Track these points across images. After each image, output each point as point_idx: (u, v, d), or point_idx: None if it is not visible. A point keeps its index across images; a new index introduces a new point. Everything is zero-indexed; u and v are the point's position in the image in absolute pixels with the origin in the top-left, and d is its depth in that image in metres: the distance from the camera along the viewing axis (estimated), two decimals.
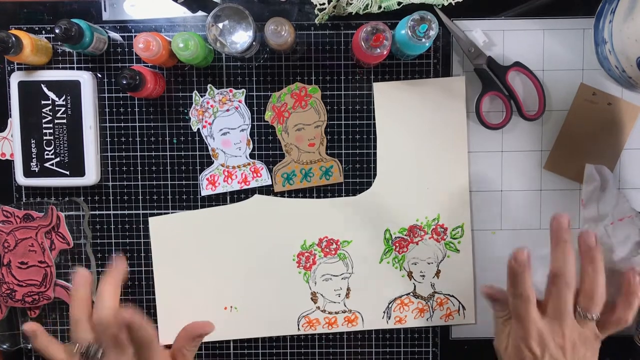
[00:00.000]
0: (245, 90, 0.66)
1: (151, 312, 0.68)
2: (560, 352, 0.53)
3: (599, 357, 0.56)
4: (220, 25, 0.58)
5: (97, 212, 0.67)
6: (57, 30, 0.57)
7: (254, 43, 0.59)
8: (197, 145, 0.66)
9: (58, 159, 0.65)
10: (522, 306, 0.54)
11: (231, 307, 0.67)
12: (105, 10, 0.65)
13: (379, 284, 0.67)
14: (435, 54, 0.65)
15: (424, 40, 0.57)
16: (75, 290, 0.56)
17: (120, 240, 0.67)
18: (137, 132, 0.66)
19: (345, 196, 0.67)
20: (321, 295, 0.67)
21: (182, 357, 0.57)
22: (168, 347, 0.58)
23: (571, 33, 0.65)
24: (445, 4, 0.64)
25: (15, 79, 0.64)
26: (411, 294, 0.67)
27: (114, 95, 0.66)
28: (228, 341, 0.68)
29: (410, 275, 0.67)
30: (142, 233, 0.67)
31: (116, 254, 0.66)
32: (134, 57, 0.65)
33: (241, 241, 0.67)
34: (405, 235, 0.67)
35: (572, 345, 0.53)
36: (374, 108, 0.66)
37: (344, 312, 0.67)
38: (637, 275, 0.55)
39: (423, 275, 0.67)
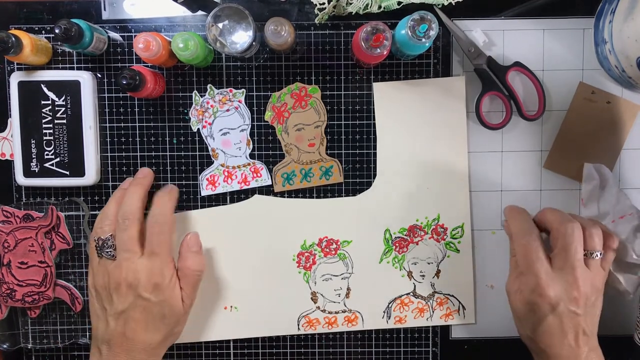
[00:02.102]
0: (245, 90, 0.66)
1: None
2: (574, 304, 0.54)
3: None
4: (220, 25, 0.58)
5: (97, 212, 0.67)
6: (57, 30, 0.57)
7: (254, 43, 0.59)
8: (197, 145, 0.66)
9: (58, 159, 0.65)
10: (532, 246, 0.55)
11: (231, 307, 0.67)
12: (104, 10, 0.65)
13: (379, 284, 0.67)
14: (435, 54, 0.65)
15: (424, 40, 0.57)
16: (127, 186, 0.64)
17: None
18: (137, 132, 0.66)
19: (345, 196, 0.67)
20: (321, 295, 0.67)
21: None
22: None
23: (571, 33, 0.65)
24: (445, 3, 0.64)
25: (15, 79, 0.64)
26: (411, 293, 0.67)
27: (114, 95, 0.66)
28: (228, 341, 0.68)
29: (410, 275, 0.67)
30: None
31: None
32: (134, 57, 0.65)
33: (241, 241, 0.67)
34: (405, 235, 0.67)
35: (585, 297, 0.55)
36: (374, 108, 0.66)
37: (344, 312, 0.67)
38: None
39: (423, 275, 0.67)
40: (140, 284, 0.57)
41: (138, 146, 0.66)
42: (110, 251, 0.59)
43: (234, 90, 0.66)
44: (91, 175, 0.65)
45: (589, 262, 0.56)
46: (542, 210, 0.61)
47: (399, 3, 0.64)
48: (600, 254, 0.56)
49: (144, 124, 0.66)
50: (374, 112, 0.66)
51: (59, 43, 0.65)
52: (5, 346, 0.67)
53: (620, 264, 0.61)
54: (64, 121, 0.64)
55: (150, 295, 0.58)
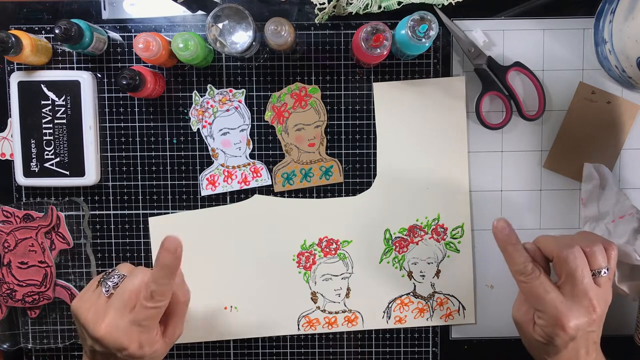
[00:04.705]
0: (245, 90, 0.66)
1: None
2: (592, 325, 0.53)
3: None
4: (220, 25, 0.58)
5: (97, 212, 0.67)
6: (56, 31, 0.57)
7: (253, 43, 0.59)
8: (197, 145, 0.66)
9: (58, 159, 0.65)
10: (535, 284, 0.53)
11: (231, 307, 0.67)
12: (104, 9, 0.65)
13: (379, 284, 0.67)
14: (435, 54, 0.65)
15: (424, 40, 0.57)
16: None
17: (120, 240, 0.67)
18: (137, 132, 0.66)
19: (345, 196, 0.67)
20: (321, 295, 0.67)
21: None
22: None
23: (571, 33, 0.65)
24: (445, 3, 0.64)
25: (15, 79, 0.64)
26: (411, 293, 0.67)
27: (114, 95, 0.66)
28: (228, 341, 0.68)
29: (410, 275, 0.67)
30: (142, 233, 0.67)
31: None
32: (134, 57, 0.65)
33: (241, 241, 0.67)
34: (405, 235, 0.67)
35: (601, 316, 0.53)
36: (374, 108, 0.66)
37: (344, 312, 0.67)
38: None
39: (423, 275, 0.67)
40: (109, 344, 0.52)
41: (138, 146, 0.66)
42: (109, 285, 0.55)
43: (234, 90, 0.66)
44: (91, 175, 0.65)
45: (598, 280, 0.54)
46: (536, 239, 0.58)
47: (399, 3, 0.64)
48: (607, 269, 0.54)
49: (144, 124, 0.66)
50: (374, 112, 0.66)
51: (59, 43, 0.65)
52: (5, 346, 0.67)
53: (622, 269, 0.61)
54: (64, 121, 0.64)
55: (116, 352, 0.53)
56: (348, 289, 0.67)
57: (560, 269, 0.54)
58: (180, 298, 0.56)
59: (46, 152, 0.64)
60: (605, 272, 0.54)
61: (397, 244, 0.67)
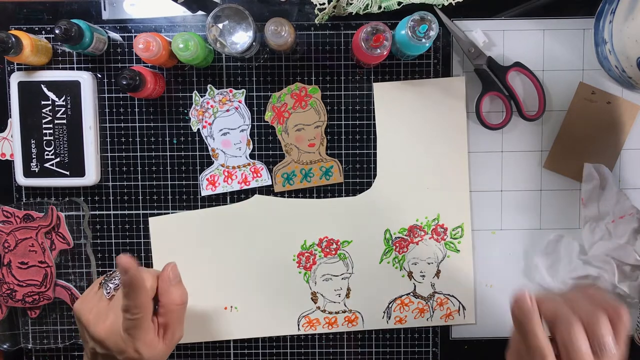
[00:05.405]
0: (245, 91, 0.66)
1: None
2: None
3: None
4: (220, 25, 0.58)
5: (97, 212, 0.67)
6: (57, 31, 0.57)
7: (254, 43, 0.59)
8: (197, 146, 0.66)
9: (58, 159, 0.65)
10: (536, 354, 0.46)
11: (231, 307, 0.67)
12: (104, 10, 0.65)
13: (379, 284, 0.67)
14: (435, 54, 0.65)
15: (424, 40, 0.57)
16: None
17: (120, 240, 0.67)
18: (137, 132, 0.66)
19: (345, 196, 0.67)
20: (321, 295, 0.67)
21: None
22: None
23: (571, 33, 0.65)
24: (446, 4, 0.64)
25: (15, 79, 0.64)
26: (411, 294, 0.67)
27: (114, 95, 0.66)
28: (228, 341, 0.68)
29: (410, 275, 0.67)
30: (142, 233, 0.67)
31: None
32: (134, 57, 0.65)
33: (241, 241, 0.67)
34: (405, 235, 0.67)
35: None
36: (374, 108, 0.66)
37: (344, 312, 0.67)
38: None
39: (423, 275, 0.67)
40: (110, 347, 0.53)
41: (138, 146, 0.66)
42: (110, 287, 0.56)
43: (234, 91, 0.66)
44: (91, 175, 0.65)
45: (602, 359, 0.45)
46: (536, 296, 0.49)
47: (399, 3, 0.64)
48: (615, 345, 0.45)
49: (144, 124, 0.66)
50: (374, 112, 0.66)
51: (59, 43, 0.65)
52: (5, 346, 0.67)
53: (622, 269, 0.61)
54: (64, 121, 0.64)
55: (117, 355, 0.53)
56: (348, 289, 0.67)
57: (555, 337, 0.47)
58: (177, 300, 0.56)
59: (46, 152, 0.64)
60: (612, 349, 0.44)
61: (397, 244, 0.67)
